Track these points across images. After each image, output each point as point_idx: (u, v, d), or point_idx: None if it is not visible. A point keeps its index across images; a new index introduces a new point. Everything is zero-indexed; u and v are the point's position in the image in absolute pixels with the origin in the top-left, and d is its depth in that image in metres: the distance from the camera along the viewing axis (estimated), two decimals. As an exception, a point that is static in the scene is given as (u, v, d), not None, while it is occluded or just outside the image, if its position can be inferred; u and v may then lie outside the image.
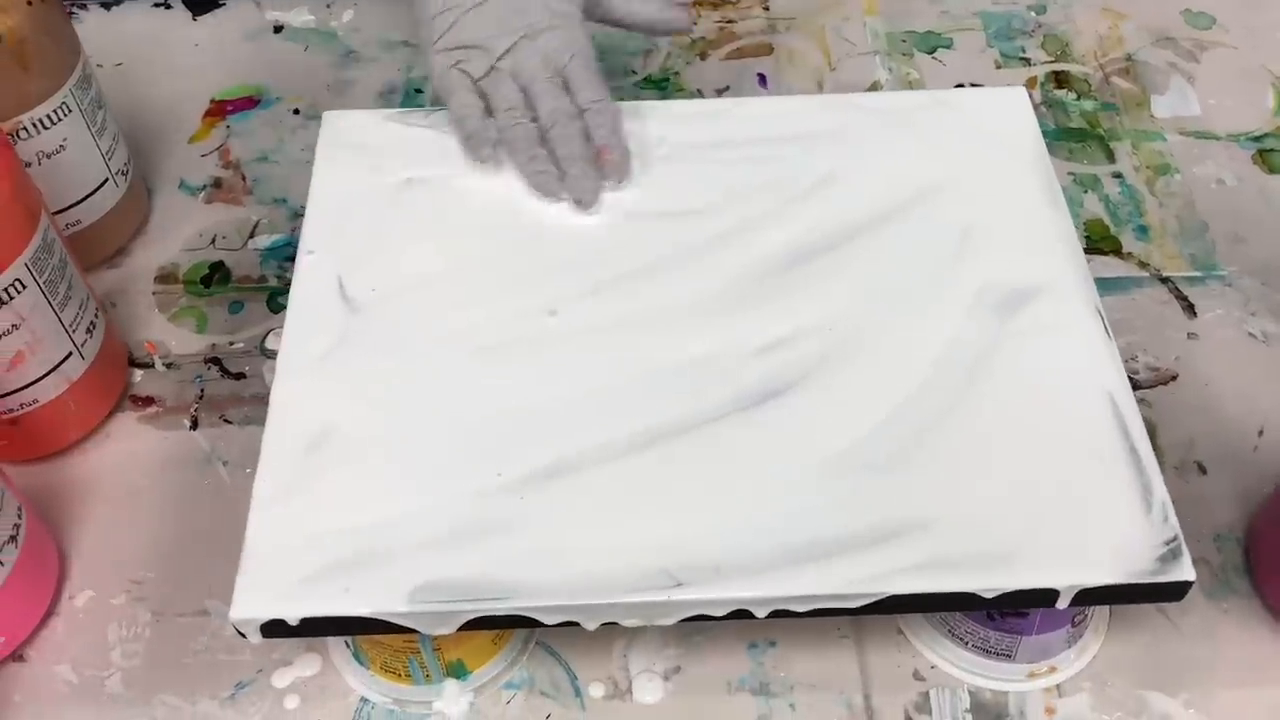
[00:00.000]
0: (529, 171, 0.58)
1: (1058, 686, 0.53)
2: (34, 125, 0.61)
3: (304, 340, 0.54)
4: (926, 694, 0.53)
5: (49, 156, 0.63)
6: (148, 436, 0.62)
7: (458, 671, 0.52)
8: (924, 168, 0.60)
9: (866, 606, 0.47)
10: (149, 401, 0.63)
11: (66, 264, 0.57)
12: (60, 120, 0.62)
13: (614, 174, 0.58)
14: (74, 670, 0.54)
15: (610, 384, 0.53)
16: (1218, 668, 0.53)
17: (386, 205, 0.59)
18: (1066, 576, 0.47)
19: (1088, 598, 0.47)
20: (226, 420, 0.62)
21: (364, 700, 0.53)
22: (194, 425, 0.62)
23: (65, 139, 0.63)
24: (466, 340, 0.54)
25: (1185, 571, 0.46)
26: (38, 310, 0.55)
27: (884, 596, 0.47)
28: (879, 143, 0.61)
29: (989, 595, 0.47)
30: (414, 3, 0.63)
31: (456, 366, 0.53)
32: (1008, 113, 0.63)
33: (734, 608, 0.47)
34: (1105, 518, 0.48)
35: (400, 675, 0.52)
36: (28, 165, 0.62)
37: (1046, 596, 0.47)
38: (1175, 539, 0.47)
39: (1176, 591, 0.47)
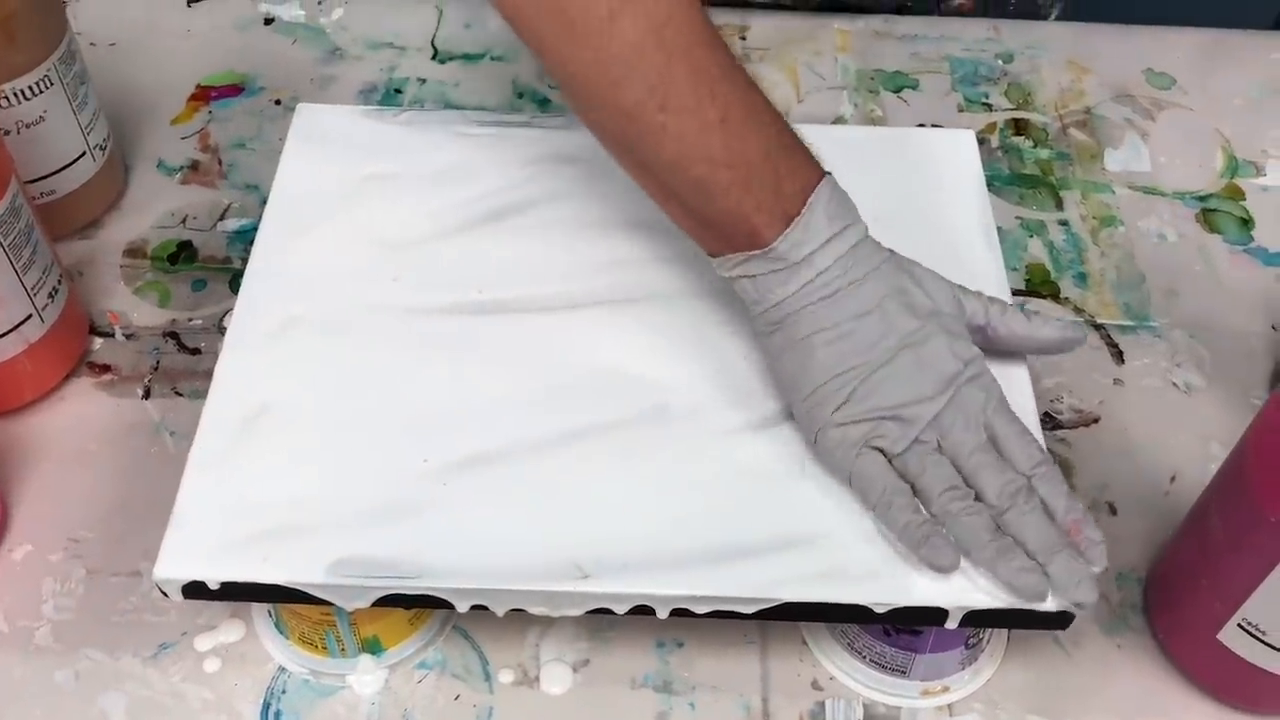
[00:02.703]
0: (1007, 571, 0.48)
1: (949, 706, 0.55)
2: (15, 95, 0.63)
3: (252, 318, 0.57)
4: (822, 703, 0.55)
5: (28, 126, 0.65)
6: (101, 402, 0.64)
7: (373, 648, 0.54)
8: (866, 200, 0.62)
9: (762, 611, 0.49)
10: (105, 369, 0.65)
11: (33, 230, 0.60)
12: (42, 92, 0.64)
13: (1096, 558, 0.49)
14: (5, 620, 0.56)
15: (540, 382, 0.55)
16: (1106, 699, 0.55)
17: (347, 197, 0.62)
18: (955, 597, 0.49)
19: (976, 620, 0.49)
20: (178, 393, 0.64)
21: (281, 669, 0.55)
22: (146, 395, 0.64)
23: (45, 110, 0.65)
24: (407, 330, 0.56)
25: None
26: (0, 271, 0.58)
27: (779, 603, 0.49)
28: (826, 173, 0.64)
29: (880, 610, 0.49)
30: (780, 362, 0.53)
31: (395, 354, 0.56)
32: (954, 153, 0.65)
33: (636, 603, 0.49)
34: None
35: (317, 647, 0.54)
36: (6, 133, 0.64)
37: (936, 615, 0.49)
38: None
39: (1060, 621, 0.49)
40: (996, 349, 0.55)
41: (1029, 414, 0.54)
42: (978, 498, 0.50)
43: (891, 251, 0.53)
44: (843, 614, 0.50)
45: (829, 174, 0.53)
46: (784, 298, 0.51)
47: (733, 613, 0.49)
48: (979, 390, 0.51)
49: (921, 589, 0.49)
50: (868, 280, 0.51)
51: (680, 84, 0.50)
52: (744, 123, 0.51)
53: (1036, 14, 0.87)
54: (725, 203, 0.51)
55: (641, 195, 0.62)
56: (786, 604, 0.49)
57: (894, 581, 0.49)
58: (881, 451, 0.50)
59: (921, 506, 0.50)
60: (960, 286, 0.54)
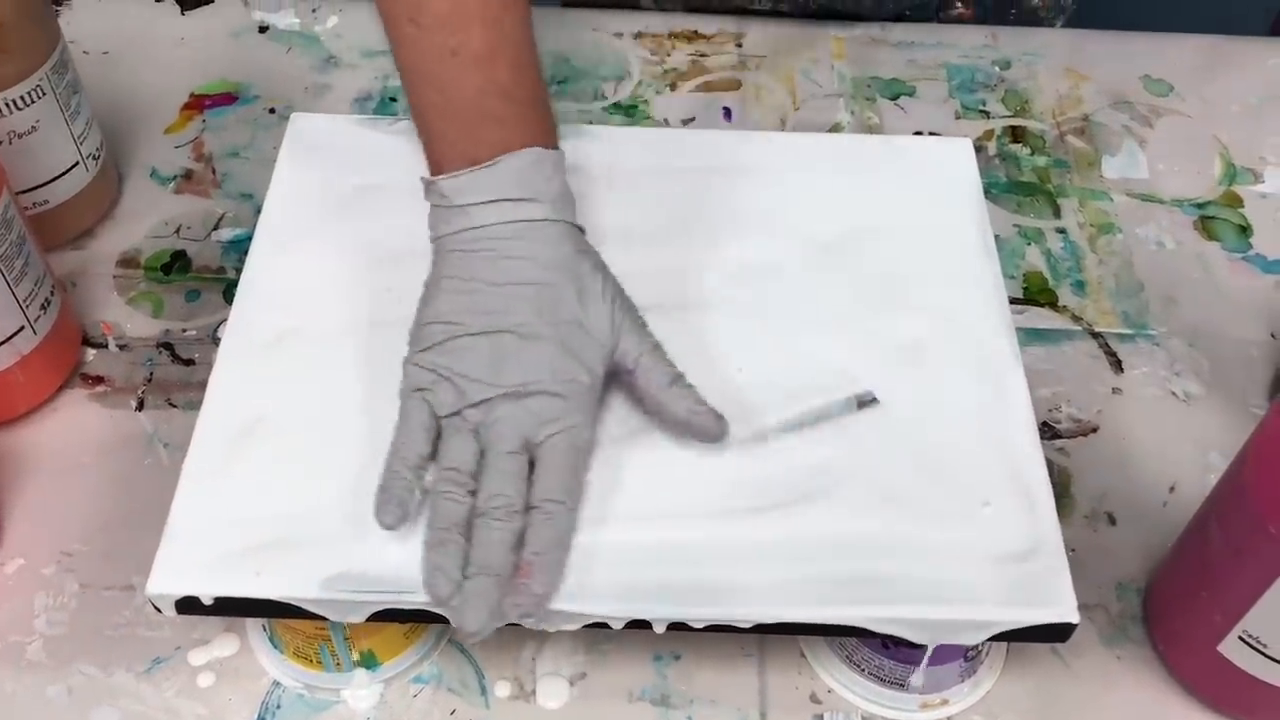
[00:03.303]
0: (427, 559, 0.48)
1: (949, 718, 0.54)
2: (7, 105, 0.63)
3: (246, 330, 0.56)
4: (821, 716, 0.54)
5: (20, 136, 0.64)
6: (94, 414, 0.64)
7: (368, 662, 0.54)
8: (863, 208, 0.62)
9: (760, 626, 0.49)
10: (99, 380, 0.65)
11: (25, 240, 0.59)
12: (34, 102, 0.64)
13: (527, 607, 0.47)
14: (-3, 635, 0.56)
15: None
16: (1105, 711, 0.55)
17: (341, 207, 0.61)
18: (948, 612, 0.49)
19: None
20: (172, 404, 0.64)
21: (276, 684, 0.55)
22: (140, 407, 0.64)
23: (38, 120, 0.65)
24: (402, 342, 0.56)
25: (1069, 615, 0.48)
26: (-8, 283, 0.57)
27: (776, 620, 0.48)
28: (823, 181, 0.63)
29: (876, 628, 0.49)
30: (423, 291, 0.54)
31: (391, 366, 0.55)
32: (952, 162, 0.65)
33: (632, 618, 0.49)
34: (993, 559, 0.50)
35: (312, 661, 0.54)
36: (-2, 143, 0.64)
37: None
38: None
39: (1060, 633, 0.49)
40: (641, 403, 0.53)
41: (1026, 423, 0.54)
42: (474, 493, 0.49)
43: (589, 258, 0.53)
44: (840, 630, 0.49)
45: (555, 149, 0.54)
46: (441, 235, 0.54)
47: (730, 626, 0.49)
48: (551, 407, 0.50)
49: (910, 606, 0.49)
50: (519, 259, 0.52)
51: (437, 5, 0.52)
52: (475, 61, 0.52)
53: (1040, 24, 0.87)
54: (429, 124, 0.54)
55: (639, 203, 0.62)
56: (785, 619, 0.48)
57: (884, 599, 0.49)
58: (430, 405, 0.51)
59: (417, 468, 0.50)
60: (640, 327, 0.53)
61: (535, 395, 0.50)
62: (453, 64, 0.53)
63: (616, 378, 0.53)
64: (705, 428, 0.52)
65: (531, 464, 0.50)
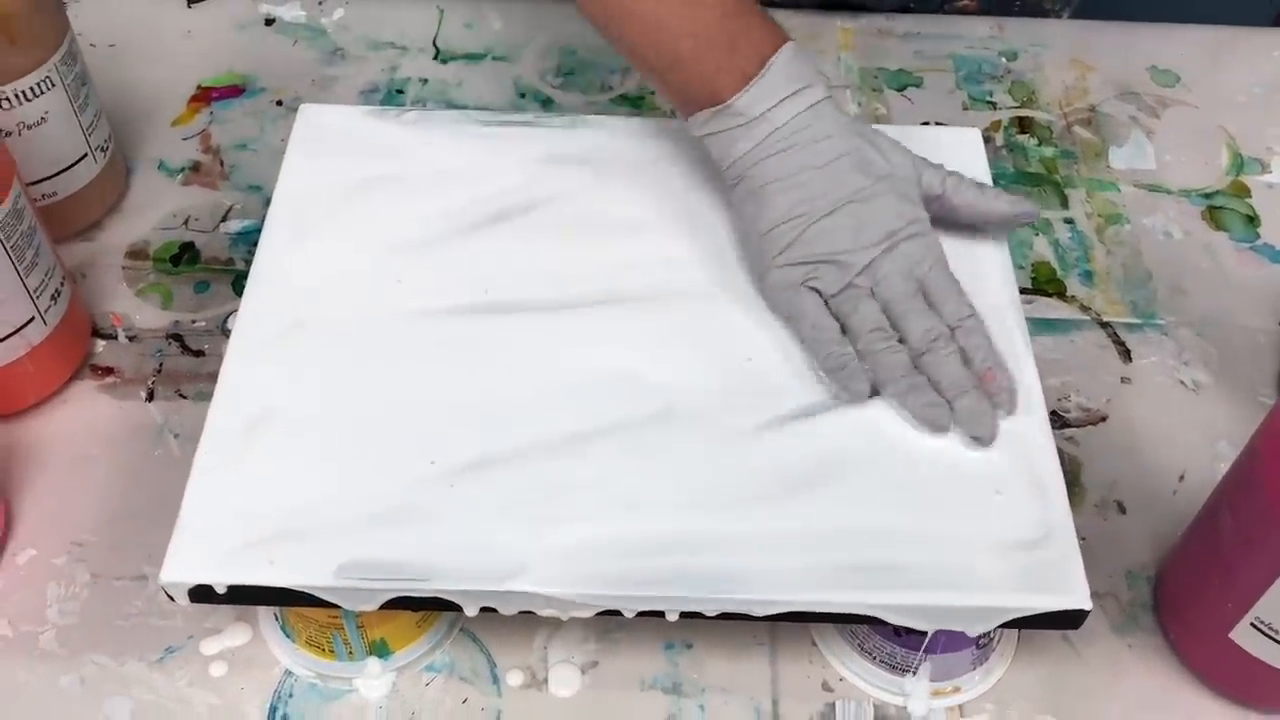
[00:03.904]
0: (914, 404, 0.53)
1: (960, 706, 0.55)
2: (16, 96, 0.63)
3: (256, 321, 0.56)
4: (833, 705, 0.54)
5: (29, 128, 0.64)
6: (104, 405, 0.64)
7: (380, 650, 0.54)
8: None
9: (770, 615, 0.49)
10: (109, 371, 0.65)
11: (35, 232, 0.59)
12: (43, 93, 0.64)
13: (1006, 402, 0.53)
14: (10, 625, 0.56)
15: (546, 383, 0.54)
16: (1116, 699, 0.55)
17: (350, 198, 0.61)
18: (961, 599, 0.49)
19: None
20: (182, 395, 0.64)
21: (288, 673, 0.55)
22: (150, 397, 0.64)
23: (47, 112, 0.65)
24: (412, 332, 0.56)
25: (1081, 601, 0.48)
26: (2, 274, 0.57)
27: (790, 607, 0.48)
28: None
29: (889, 615, 0.49)
30: (740, 211, 0.58)
31: (401, 356, 0.55)
32: (961, 151, 0.65)
33: (646, 607, 0.49)
34: (1005, 546, 0.50)
35: (324, 650, 0.54)
36: (7, 135, 0.63)
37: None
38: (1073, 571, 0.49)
39: (1071, 620, 0.49)
40: (955, 220, 0.59)
41: (1036, 412, 0.54)
42: (902, 341, 0.54)
43: (856, 118, 0.59)
44: (852, 618, 0.49)
45: (791, 40, 0.57)
46: (744, 152, 0.56)
47: (743, 615, 0.49)
48: (919, 247, 0.56)
49: (920, 592, 0.49)
50: (823, 138, 0.56)
51: None
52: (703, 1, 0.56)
53: (1046, 15, 0.87)
54: (689, 68, 0.57)
55: (647, 194, 0.62)
56: (797, 607, 0.48)
57: (892, 584, 0.49)
58: (819, 292, 0.55)
59: (849, 343, 0.54)
60: (924, 160, 0.59)
61: (902, 241, 0.55)
62: (689, 9, 0.56)
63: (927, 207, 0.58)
64: (1028, 213, 0.59)
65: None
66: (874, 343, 0.54)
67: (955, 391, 0.53)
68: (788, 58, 0.56)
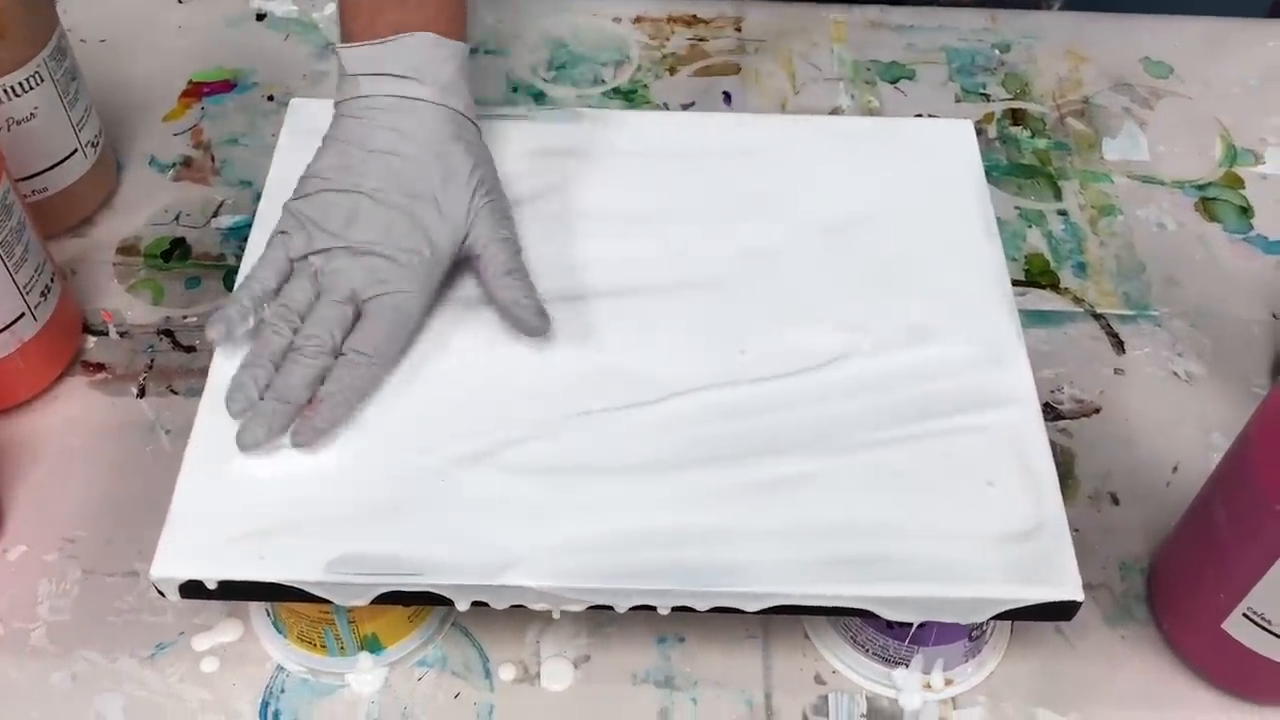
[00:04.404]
0: (235, 377, 0.52)
1: (953, 698, 0.54)
2: (5, 92, 0.63)
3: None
4: (825, 697, 0.54)
5: (19, 123, 0.64)
6: (95, 401, 0.64)
7: (372, 645, 0.54)
8: (864, 191, 0.62)
9: (762, 609, 0.49)
10: (100, 368, 0.65)
11: (25, 227, 0.59)
12: (32, 89, 0.64)
13: (301, 434, 0.51)
14: (0, 622, 0.56)
15: (539, 376, 0.54)
16: (1110, 690, 0.55)
17: (341, 192, 0.61)
18: (953, 590, 0.48)
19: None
20: (173, 391, 0.64)
21: (280, 668, 0.55)
22: (141, 393, 0.64)
23: (36, 107, 0.65)
24: (403, 325, 0.56)
25: (1074, 592, 0.48)
26: (-8, 270, 0.57)
27: (781, 601, 0.48)
28: (824, 164, 0.63)
29: (880, 607, 0.49)
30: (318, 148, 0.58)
31: (392, 350, 0.55)
32: (953, 143, 0.65)
33: (638, 601, 0.49)
34: (998, 538, 0.50)
35: (316, 645, 0.54)
36: (-4, 130, 0.63)
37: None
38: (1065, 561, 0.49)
39: (1064, 612, 0.49)
40: (484, 292, 0.56)
41: (1029, 404, 0.54)
42: (298, 331, 0.53)
43: (465, 146, 0.57)
44: (844, 610, 0.49)
45: (457, 42, 0.58)
46: (338, 100, 0.58)
47: (734, 610, 0.49)
48: (387, 270, 0.54)
49: (922, 585, 0.49)
50: (391, 129, 0.56)
51: None
52: None
53: (1039, 6, 0.87)
54: (344, 3, 0.58)
55: (639, 188, 0.62)
56: (789, 600, 0.48)
57: (882, 575, 0.49)
58: (286, 248, 0.55)
59: (259, 298, 0.54)
60: (502, 224, 0.57)
61: (372, 255, 0.54)
62: None
63: (467, 263, 0.57)
64: (524, 320, 0.55)
65: (354, 320, 0.54)
66: (273, 315, 0.54)
67: (273, 394, 0.51)
68: (416, 46, 0.56)
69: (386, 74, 0.56)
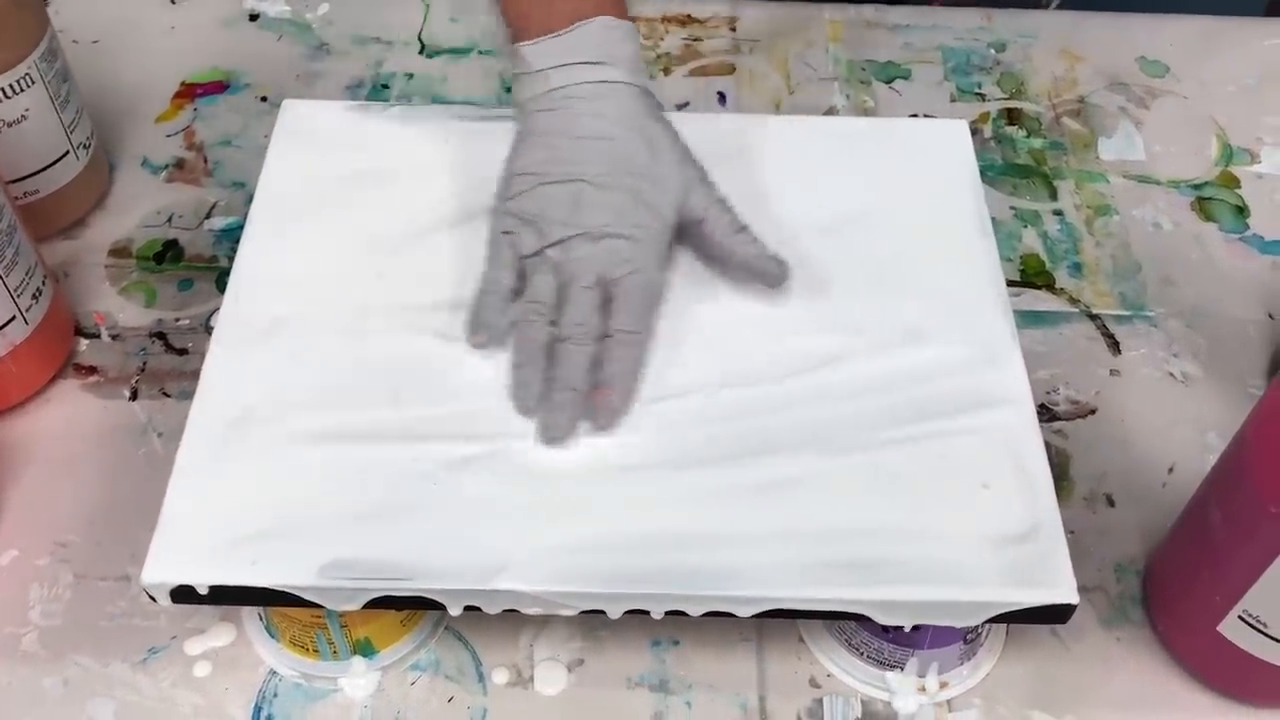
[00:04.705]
0: (514, 377, 0.53)
1: (949, 701, 0.54)
2: (-4, 93, 0.63)
3: (239, 318, 0.56)
4: (820, 700, 0.54)
5: (9, 125, 0.64)
6: (87, 404, 0.63)
7: (365, 650, 0.54)
8: (859, 191, 0.62)
9: (756, 614, 0.48)
10: (92, 371, 0.65)
11: (15, 230, 0.59)
12: (23, 90, 0.64)
13: (602, 418, 0.52)
14: (-8, 626, 0.56)
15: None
16: (1106, 692, 0.55)
17: (334, 193, 0.61)
18: (948, 593, 0.48)
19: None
20: (165, 394, 0.64)
21: (273, 673, 0.54)
22: (133, 396, 0.64)
23: (27, 109, 0.64)
24: (395, 328, 0.55)
25: (1068, 595, 0.48)
26: (-18, 273, 0.57)
27: (774, 605, 0.48)
28: (819, 164, 0.63)
29: (875, 610, 0.48)
30: (510, 149, 0.59)
31: (384, 353, 0.55)
32: (948, 144, 0.65)
33: (631, 606, 0.49)
34: (992, 540, 0.50)
35: (308, 650, 0.54)
36: (-13, 132, 0.63)
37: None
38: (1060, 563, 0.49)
39: (1059, 615, 0.49)
40: (709, 254, 0.58)
41: (1024, 405, 0.54)
42: (554, 323, 0.54)
43: (659, 120, 0.58)
44: (838, 614, 0.49)
45: (628, 22, 0.58)
46: (524, 99, 0.58)
47: (728, 614, 0.49)
48: (626, 249, 0.55)
49: (917, 588, 0.48)
50: (592, 115, 0.56)
51: None
52: None
53: (1035, 5, 0.86)
54: (512, 6, 0.58)
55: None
56: (783, 604, 0.48)
57: (876, 577, 0.49)
58: (515, 248, 0.56)
59: (505, 298, 0.55)
60: (709, 187, 0.58)
61: (610, 238, 0.55)
62: None
63: (687, 231, 0.57)
64: (768, 271, 0.57)
65: (605, 303, 0.54)
66: (526, 311, 0.54)
67: (560, 385, 0.52)
68: (597, 31, 0.57)
69: (577, 63, 0.57)
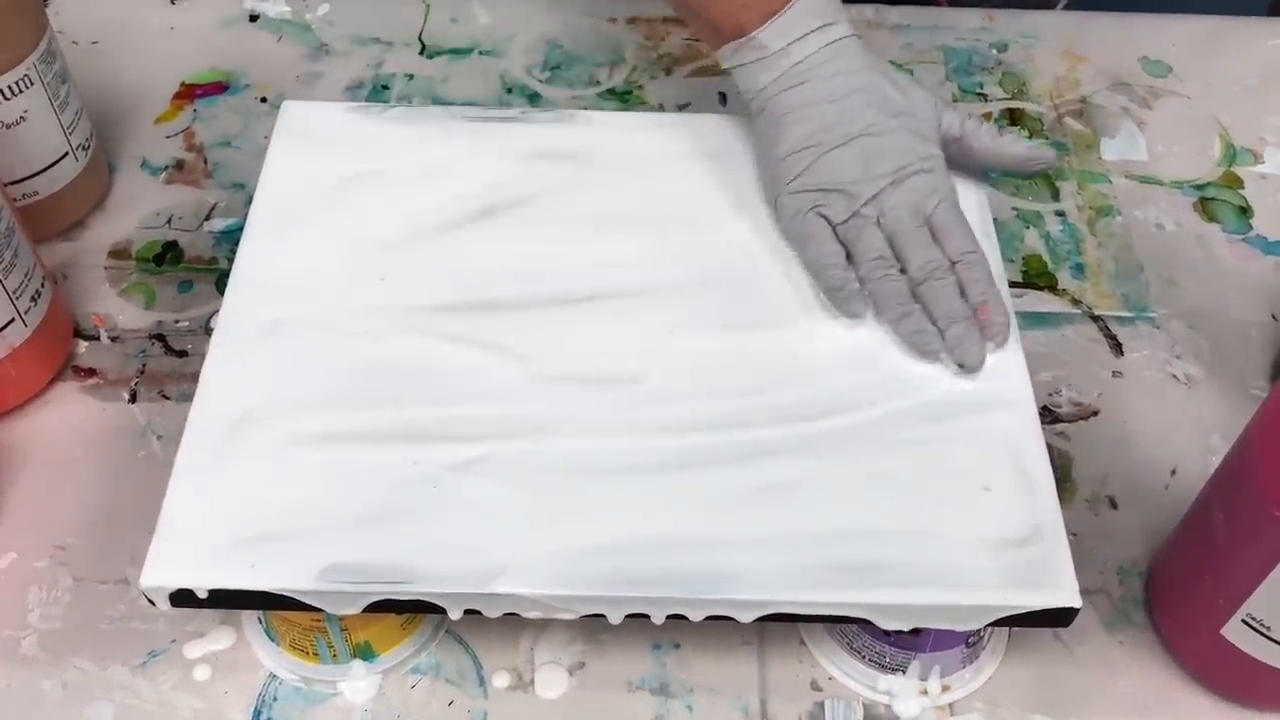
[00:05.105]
0: (904, 330, 0.55)
1: (951, 705, 0.54)
2: (-5, 95, 0.62)
3: (238, 320, 0.56)
4: (822, 704, 0.54)
5: (8, 127, 0.64)
6: (87, 407, 0.63)
7: (365, 653, 0.53)
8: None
9: (757, 618, 0.48)
10: (91, 373, 0.65)
11: (14, 232, 0.59)
12: (22, 92, 0.63)
13: (997, 334, 0.55)
14: (-9, 630, 0.55)
15: (532, 382, 0.54)
16: (1108, 696, 0.55)
17: (334, 195, 0.61)
18: (950, 597, 0.48)
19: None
20: (165, 396, 0.64)
21: (272, 676, 0.54)
22: (133, 399, 0.63)
23: (26, 110, 0.64)
24: (396, 330, 0.55)
25: (1070, 599, 0.48)
26: (-20, 275, 0.57)
27: (775, 609, 0.48)
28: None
29: (876, 614, 0.48)
30: (760, 140, 0.61)
31: (384, 355, 0.55)
32: (950, 144, 0.64)
33: (632, 610, 0.49)
34: (994, 543, 0.49)
35: (308, 653, 0.53)
36: (-14, 134, 0.63)
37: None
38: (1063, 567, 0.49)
39: (1061, 618, 0.48)
40: (973, 163, 0.61)
41: (1026, 407, 0.53)
42: (904, 271, 0.56)
43: (879, 58, 0.61)
44: (840, 618, 0.49)
45: None
46: (765, 84, 0.60)
47: (728, 618, 0.48)
48: (927, 182, 0.58)
49: (919, 591, 0.48)
50: (841, 74, 0.59)
51: None
52: None
53: (1037, 5, 0.86)
54: (720, 4, 0.60)
55: (635, 189, 0.61)
56: (784, 607, 0.48)
57: (877, 582, 0.48)
58: (827, 220, 0.57)
59: (852, 269, 0.56)
60: (946, 102, 0.61)
61: (912, 175, 0.57)
62: None
63: (945, 150, 0.60)
64: (1043, 156, 0.61)
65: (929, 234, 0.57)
66: (874, 270, 0.56)
67: (947, 321, 0.54)
68: None
69: (810, 32, 0.59)
